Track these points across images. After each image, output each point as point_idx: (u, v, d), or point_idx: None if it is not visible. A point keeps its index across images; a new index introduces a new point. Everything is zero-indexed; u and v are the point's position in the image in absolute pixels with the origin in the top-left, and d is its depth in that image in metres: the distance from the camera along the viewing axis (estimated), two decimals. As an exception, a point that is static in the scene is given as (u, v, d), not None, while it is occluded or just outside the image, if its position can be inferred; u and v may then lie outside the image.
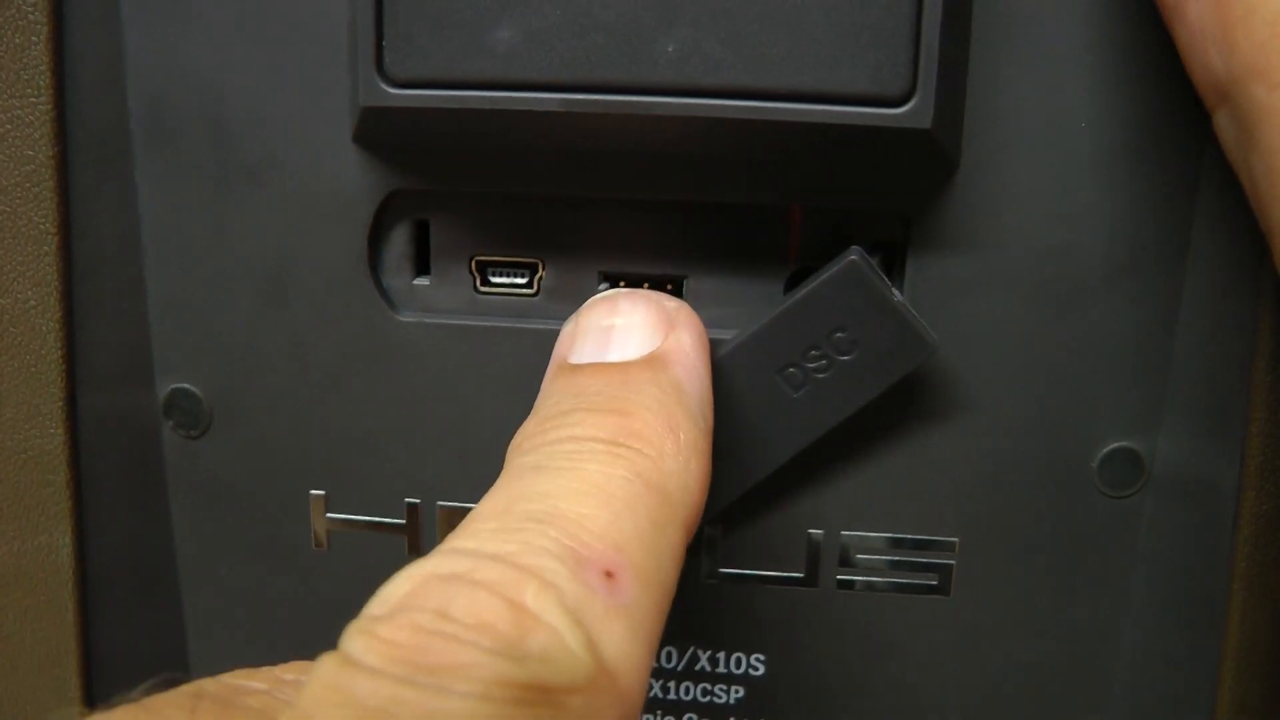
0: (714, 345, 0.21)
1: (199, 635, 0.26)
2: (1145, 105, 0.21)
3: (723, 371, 0.21)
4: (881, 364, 0.21)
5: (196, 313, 0.24)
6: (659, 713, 0.25)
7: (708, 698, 0.25)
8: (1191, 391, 0.22)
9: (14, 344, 0.24)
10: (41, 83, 0.23)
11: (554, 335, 0.21)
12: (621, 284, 0.23)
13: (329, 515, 0.25)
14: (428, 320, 0.23)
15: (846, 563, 0.24)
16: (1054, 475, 0.23)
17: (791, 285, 0.23)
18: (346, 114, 0.22)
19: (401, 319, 0.23)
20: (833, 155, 0.21)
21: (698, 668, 0.25)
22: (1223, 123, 0.19)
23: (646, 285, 0.23)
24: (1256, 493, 0.22)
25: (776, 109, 0.19)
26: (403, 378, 0.24)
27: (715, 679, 0.25)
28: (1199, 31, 0.18)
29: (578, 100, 0.20)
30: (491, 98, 0.20)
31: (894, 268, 0.23)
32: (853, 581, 0.24)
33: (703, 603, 0.25)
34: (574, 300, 0.23)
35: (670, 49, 0.19)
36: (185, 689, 0.16)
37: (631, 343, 0.20)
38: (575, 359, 0.20)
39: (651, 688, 0.25)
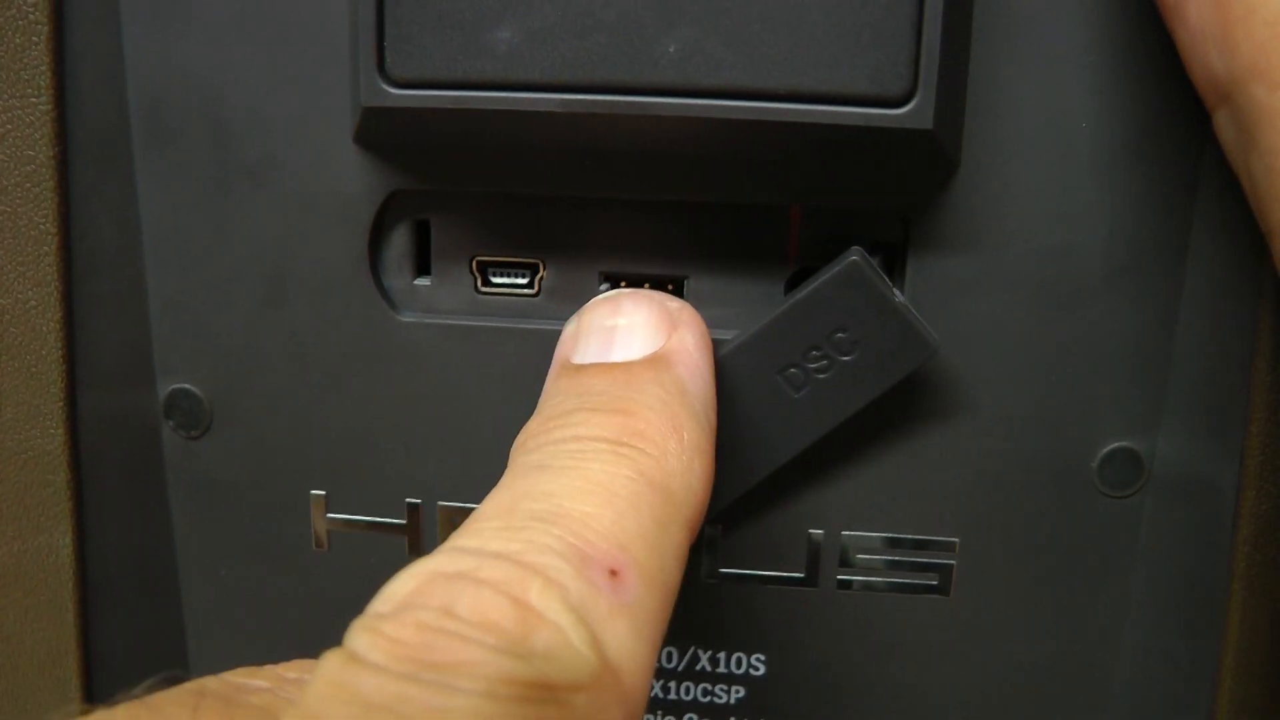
0: (715, 345, 0.21)
1: (199, 635, 0.26)
2: (1145, 105, 0.21)
3: (724, 371, 0.21)
4: (882, 364, 0.21)
5: (197, 313, 0.24)
6: (660, 713, 0.25)
7: (708, 698, 0.25)
8: (1191, 391, 0.22)
9: (14, 344, 0.24)
10: (42, 83, 0.23)
11: (555, 336, 0.21)
12: (622, 284, 0.23)
13: (329, 515, 0.25)
14: (428, 320, 0.23)
15: (847, 563, 0.24)
16: (1054, 475, 0.23)
17: (792, 285, 0.23)
18: (347, 114, 0.22)
19: (402, 319, 0.23)
20: (833, 155, 0.21)
21: (698, 668, 0.25)
22: (1223, 123, 0.19)
23: (647, 285, 0.23)
24: (1256, 493, 0.22)
25: (778, 109, 0.19)
26: (403, 378, 0.24)
27: (716, 679, 0.25)
28: (1199, 32, 0.18)
29: (578, 100, 0.20)
30: (492, 98, 0.20)
31: (894, 268, 0.23)
32: (853, 581, 0.24)
33: (703, 602, 0.25)
34: (575, 300, 0.23)
35: (671, 49, 0.19)
36: (187, 687, 0.16)
37: (635, 342, 0.20)
38: (579, 359, 0.20)
39: (652, 687, 0.25)
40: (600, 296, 0.21)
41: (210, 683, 0.16)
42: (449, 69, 0.20)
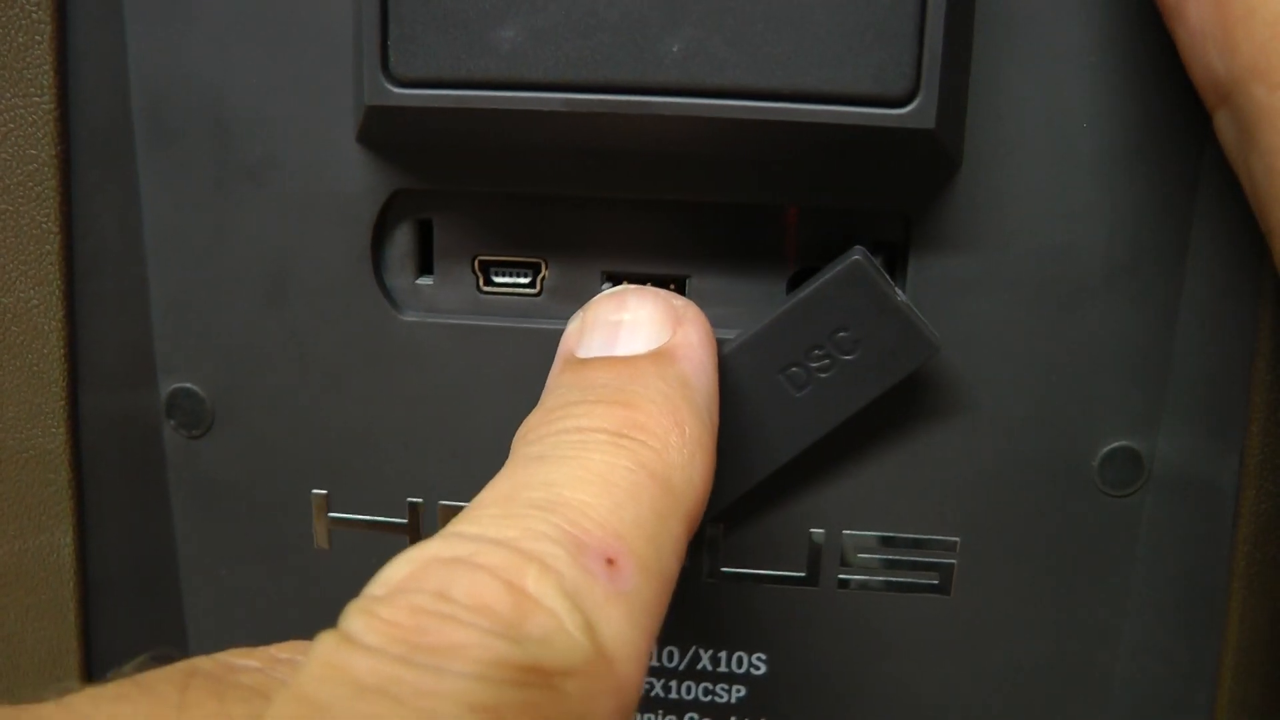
0: (717, 344, 0.21)
1: (199, 635, 0.26)
2: (1146, 106, 0.21)
3: (726, 370, 0.21)
4: (884, 364, 0.21)
5: (199, 312, 0.24)
6: (661, 712, 0.25)
7: (709, 697, 0.25)
8: (1191, 391, 0.22)
9: (16, 343, 0.24)
10: (44, 82, 0.23)
11: (557, 335, 0.21)
12: (625, 284, 0.23)
13: (330, 515, 0.25)
14: (430, 320, 0.23)
15: (847, 562, 0.24)
16: (1054, 474, 0.23)
17: (794, 285, 0.23)
18: (349, 113, 0.22)
19: (404, 319, 0.23)
20: (836, 155, 0.21)
21: (699, 667, 0.25)
22: (1223, 123, 0.19)
23: (650, 285, 0.23)
24: (1256, 492, 0.23)
25: (780, 109, 0.19)
26: (405, 377, 0.24)
27: (717, 678, 0.25)
28: (1199, 32, 0.18)
29: (582, 100, 0.20)
30: (496, 97, 0.20)
31: (896, 267, 0.23)
32: (854, 581, 0.24)
33: (704, 602, 0.25)
34: (577, 300, 0.23)
35: (675, 49, 0.19)
36: (179, 666, 0.16)
37: (639, 337, 0.20)
38: (583, 353, 0.20)
39: (653, 687, 0.25)
40: (605, 292, 0.21)
41: (202, 662, 0.16)
42: (453, 68, 0.20)
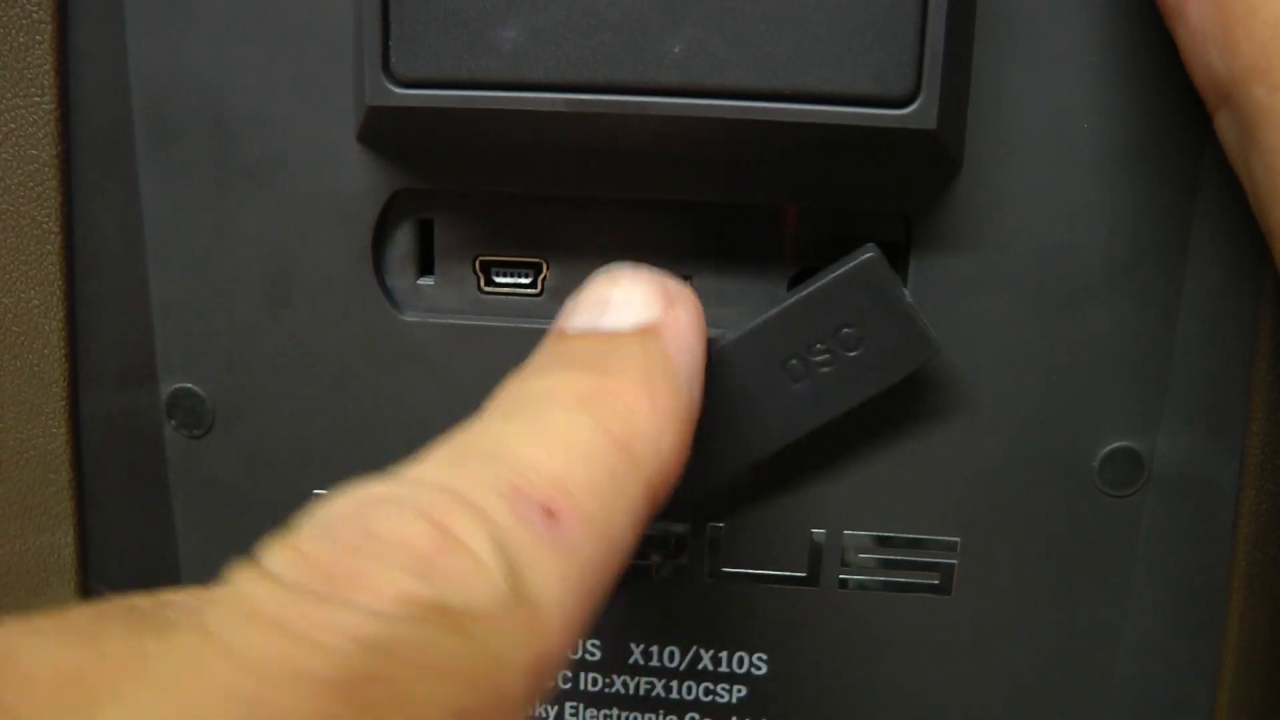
0: (719, 335, 0.21)
1: (200, 635, 0.26)
2: (1146, 106, 0.21)
3: (726, 358, 0.21)
4: (885, 363, 0.21)
5: (199, 312, 0.24)
6: (661, 712, 0.25)
7: (710, 697, 0.25)
8: (1191, 391, 0.22)
9: (16, 343, 0.24)
10: (45, 82, 0.23)
11: None
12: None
13: (331, 515, 0.25)
14: (431, 320, 0.23)
15: (848, 562, 0.24)
16: (1055, 474, 0.23)
17: (794, 286, 0.23)
18: (350, 113, 0.22)
19: (405, 319, 0.23)
20: (836, 155, 0.21)
21: (700, 667, 0.25)
22: (1223, 123, 0.19)
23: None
24: (1256, 492, 0.23)
25: (781, 109, 0.19)
26: (406, 378, 0.24)
27: (717, 678, 0.25)
28: (1200, 32, 0.18)
29: (583, 100, 0.20)
30: (497, 97, 0.20)
31: (896, 268, 0.23)
32: (854, 581, 0.24)
33: (704, 602, 0.25)
34: (578, 300, 0.23)
35: (676, 49, 0.19)
36: (115, 602, 0.16)
37: (626, 314, 0.19)
38: (570, 327, 0.20)
39: (653, 687, 0.25)
40: (602, 271, 0.21)
41: (139, 600, 0.16)
42: (454, 68, 0.20)
